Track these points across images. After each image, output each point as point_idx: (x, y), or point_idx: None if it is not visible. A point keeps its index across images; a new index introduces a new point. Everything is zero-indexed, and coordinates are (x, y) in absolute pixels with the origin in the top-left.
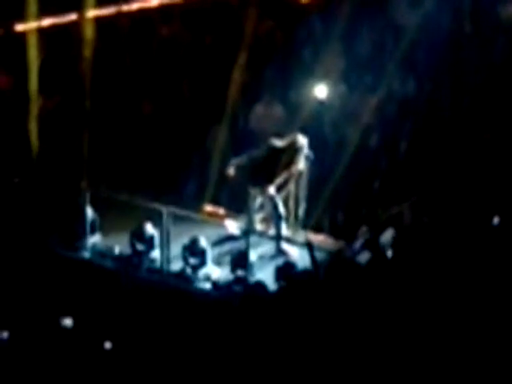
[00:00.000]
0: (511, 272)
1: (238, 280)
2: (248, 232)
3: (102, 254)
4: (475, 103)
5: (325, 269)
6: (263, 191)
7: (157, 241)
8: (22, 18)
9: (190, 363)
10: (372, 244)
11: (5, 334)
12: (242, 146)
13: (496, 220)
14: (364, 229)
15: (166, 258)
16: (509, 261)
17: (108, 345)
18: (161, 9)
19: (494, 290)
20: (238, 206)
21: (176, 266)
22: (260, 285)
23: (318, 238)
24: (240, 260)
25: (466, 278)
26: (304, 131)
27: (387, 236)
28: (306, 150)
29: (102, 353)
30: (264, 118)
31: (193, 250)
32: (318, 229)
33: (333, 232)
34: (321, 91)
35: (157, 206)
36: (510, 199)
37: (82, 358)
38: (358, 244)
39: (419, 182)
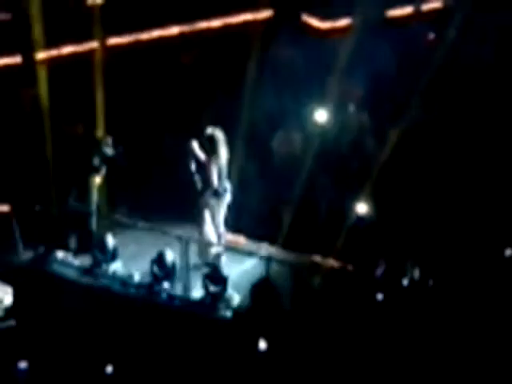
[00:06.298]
0: None
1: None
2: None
3: (122, 281)
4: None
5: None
6: None
7: (177, 268)
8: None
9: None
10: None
11: (24, 364)
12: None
13: (509, 252)
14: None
15: (186, 285)
16: None
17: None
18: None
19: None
20: None
21: (196, 293)
22: None
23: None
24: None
25: (479, 306)
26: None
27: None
28: None
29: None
30: (284, 142)
31: (213, 277)
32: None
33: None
34: (321, 116)
35: (177, 234)
36: None
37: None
38: (379, 271)
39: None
